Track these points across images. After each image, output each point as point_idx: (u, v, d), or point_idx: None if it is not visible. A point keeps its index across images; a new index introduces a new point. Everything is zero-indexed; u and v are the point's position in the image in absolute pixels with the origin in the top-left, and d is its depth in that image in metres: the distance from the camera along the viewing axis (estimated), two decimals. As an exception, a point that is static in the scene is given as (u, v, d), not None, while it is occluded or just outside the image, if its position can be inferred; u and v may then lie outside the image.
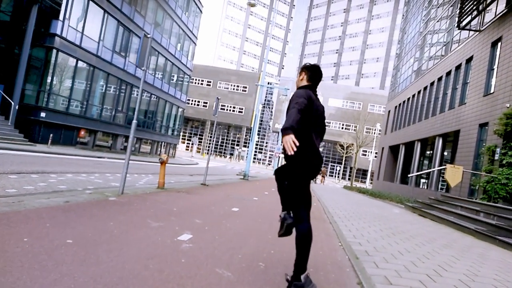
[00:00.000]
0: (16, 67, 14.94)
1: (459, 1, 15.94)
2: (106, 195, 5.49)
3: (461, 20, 15.45)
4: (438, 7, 22.39)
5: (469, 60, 15.78)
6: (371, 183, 44.81)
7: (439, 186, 18.80)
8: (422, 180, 23.02)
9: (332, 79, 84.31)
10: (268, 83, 66.62)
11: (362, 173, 59.15)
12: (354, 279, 3.22)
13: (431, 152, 21.02)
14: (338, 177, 60.85)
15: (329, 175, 62.84)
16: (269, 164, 70.07)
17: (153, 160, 21.48)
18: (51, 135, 15.93)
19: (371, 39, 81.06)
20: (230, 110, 66.83)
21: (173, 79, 30.09)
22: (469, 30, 15.74)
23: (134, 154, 23.61)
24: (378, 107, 59.41)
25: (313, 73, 2.80)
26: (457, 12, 16.37)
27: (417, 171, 21.42)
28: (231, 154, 69.64)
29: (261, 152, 75.10)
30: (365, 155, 57.73)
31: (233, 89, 67.61)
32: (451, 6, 19.66)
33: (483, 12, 14.53)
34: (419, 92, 23.25)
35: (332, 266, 3.59)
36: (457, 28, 16.54)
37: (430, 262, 4.22)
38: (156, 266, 2.68)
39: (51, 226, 3.27)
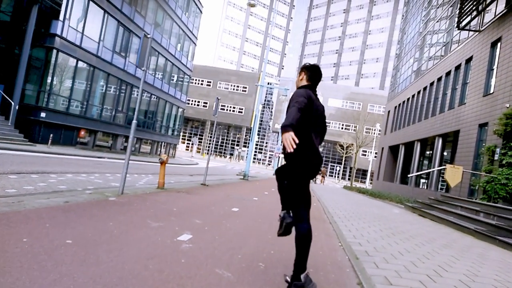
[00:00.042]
0: (16, 67, 14.94)
1: (459, 2, 15.95)
2: (106, 195, 5.49)
3: (461, 20, 15.45)
4: (438, 8, 22.39)
5: (468, 60, 15.79)
6: (371, 183, 44.81)
7: (439, 186, 18.80)
8: (422, 180, 23.03)
9: (332, 80, 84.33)
10: (268, 83, 66.58)
11: (362, 173, 59.14)
12: (354, 280, 3.22)
13: (431, 152, 21.03)
14: (338, 177, 60.84)
15: (329, 175, 62.84)
16: (269, 164, 70.07)
17: (153, 160, 21.48)
18: (51, 135, 15.93)
19: (370, 40, 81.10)
20: (230, 110, 66.84)
21: (173, 79, 30.10)
22: (469, 30, 15.75)
23: (134, 154, 23.61)
24: (378, 107, 59.42)
25: (312, 73, 2.80)
26: (457, 12, 16.37)
27: (417, 171, 21.42)
28: (231, 154, 69.64)
29: (261, 152, 75.11)
30: (365, 155, 57.73)
31: (233, 89, 67.62)
32: (450, 7, 19.67)
33: (482, 13, 14.53)
34: (418, 92, 23.26)
35: (332, 266, 3.58)
36: (456, 29, 16.55)
37: (430, 263, 4.22)
38: (156, 266, 2.68)
39: (50, 226, 3.27)
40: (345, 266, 3.65)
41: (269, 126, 75.24)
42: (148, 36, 6.21)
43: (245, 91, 67.21)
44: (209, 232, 4.19)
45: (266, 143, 75.35)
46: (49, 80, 16.46)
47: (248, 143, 60.56)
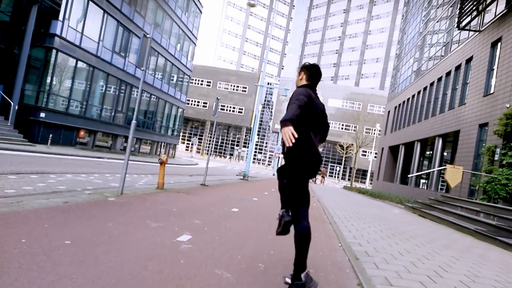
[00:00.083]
0: (16, 67, 14.93)
1: (459, 2, 15.95)
2: (105, 196, 5.47)
3: (461, 20, 15.45)
4: (438, 8, 22.39)
5: (469, 61, 15.78)
6: (371, 183, 44.80)
7: (439, 187, 18.79)
8: (422, 181, 23.02)
9: (331, 80, 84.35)
10: (268, 84, 66.64)
11: (362, 174, 59.14)
12: (354, 280, 3.21)
13: (431, 152, 21.02)
14: (337, 177, 60.84)
15: (329, 176, 62.84)
16: (269, 165, 70.07)
17: (152, 160, 21.47)
18: (50, 135, 15.91)
19: (370, 40, 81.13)
20: (230, 111, 66.84)
21: (173, 80, 30.09)
22: (469, 30, 15.74)
23: (133, 154, 23.60)
24: (378, 108, 59.42)
25: (312, 72, 2.79)
26: (457, 12, 16.37)
27: (417, 172, 21.41)
28: (231, 155, 69.65)
29: (260, 153, 75.11)
30: (365, 155, 57.72)
31: (233, 89, 67.62)
32: (450, 7, 19.67)
33: (482, 13, 14.53)
34: (418, 92, 23.25)
35: (332, 267, 3.57)
36: (456, 29, 16.55)
37: (430, 263, 4.21)
38: (155, 267, 2.67)
39: (49, 226, 3.26)
40: (345, 266, 3.64)
41: (269, 126, 75.25)
42: (148, 36, 6.20)
43: (245, 91, 67.21)
44: (209, 232, 4.18)
45: (266, 143, 75.36)
46: (48, 80, 16.45)
47: (248, 143, 60.56)
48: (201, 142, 66.94)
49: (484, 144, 12.70)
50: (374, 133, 49.49)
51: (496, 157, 11.15)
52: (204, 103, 66.79)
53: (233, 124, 68.09)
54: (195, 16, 32.85)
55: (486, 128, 12.91)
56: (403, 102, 27.08)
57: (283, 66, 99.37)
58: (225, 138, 71.94)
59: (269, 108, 77.09)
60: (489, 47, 13.70)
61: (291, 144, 2.21)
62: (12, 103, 14.54)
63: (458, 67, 17.07)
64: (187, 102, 39.68)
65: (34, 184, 5.91)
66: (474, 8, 14.35)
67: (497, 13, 13.36)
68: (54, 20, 16.16)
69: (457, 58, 17.20)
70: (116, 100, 22.03)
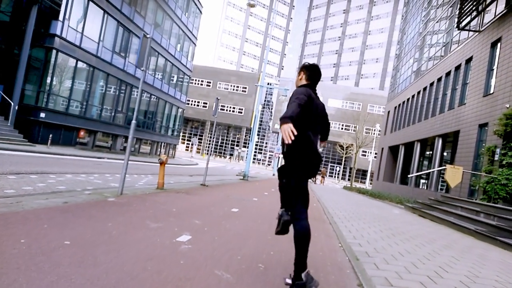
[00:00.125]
0: (16, 67, 14.93)
1: (459, 2, 15.95)
2: (105, 196, 5.47)
3: (461, 20, 15.45)
4: (438, 8, 22.39)
5: (468, 61, 15.78)
6: (370, 183, 44.79)
7: (439, 187, 18.79)
8: (422, 181, 23.02)
9: (331, 80, 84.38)
10: (268, 84, 66.65)
11: (361, 174, 59.14)
12: (355, 281, 3.20)
13: (431, 152, 21.02)
14: (337, 177, 60.84)
15: (329, 176, 62.84)
16: (269, 165, 70.06)
17: (152, 160, 21.46)
18: (50, 135, 15.91)
19: (370, 40, 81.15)
20: (229, 111, 66.84)
21: (173, 80, 30.08)
22: (469, 30, 15.74)
23: (133, 154, 23.59)
24: (378, 108, 59.44)
25: (312, 72, 2.79)
26: (457, 12, 16.37)
27: (417, 172, 21.40)
28: (231, 155, 69.64)
29: (260, 153, 75.10)
30: (365, 155, 57.73)
31: (233, 89, 67.63)
32: (450, 7, 19.67)
33: (482, 13, 14.53)
34: (418, 92, 23.25)
35: (332, 267, 3.56)
36: (456, 29, 16.54)
37: (430, 263, 4.20)
38: (155, 267, 2.66)
39: (49, 227, 3.25)
40: (345, 267, 3.63)
41: (269, 127, 75.24)
42: (148, 36, 6.19)
43: (245, 91, 67.21)
44: (209, 233, 4.17)
45: (266, 143, 75.35)
46: (48, 80, 16.44)
47: (248, 143, 60.54)
48: (201, 142, 66.94)
49: (484, 144, 12.70)
50: (374, 133, 49.49)
51: (496, 157, 11.15)
52: (204, 103, 66.80)
53: (233, 124, 68.09)
54: (195, 17, 32.85)
55: (486, 128, 12.91)
56: (403, 102, 27.08)
57: (283, 66, 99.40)
58: (225, 138, 71.94)
59: (269, 108, 77.09)
60: (489, 47, 13.70)
61: (290, 141, 2.21)
62: (12, 103, 14.53)
63: (458, 67, 17.07)
64: (187, 102, 39.68)
65: (33, 184, 5.91)
66: (474, 8, 14.35)
67: (496, 13, 13.36)
68: (54, 20, 16.16)
69: (457, 58, 17.20)
70: (116, 100, 22.02)
